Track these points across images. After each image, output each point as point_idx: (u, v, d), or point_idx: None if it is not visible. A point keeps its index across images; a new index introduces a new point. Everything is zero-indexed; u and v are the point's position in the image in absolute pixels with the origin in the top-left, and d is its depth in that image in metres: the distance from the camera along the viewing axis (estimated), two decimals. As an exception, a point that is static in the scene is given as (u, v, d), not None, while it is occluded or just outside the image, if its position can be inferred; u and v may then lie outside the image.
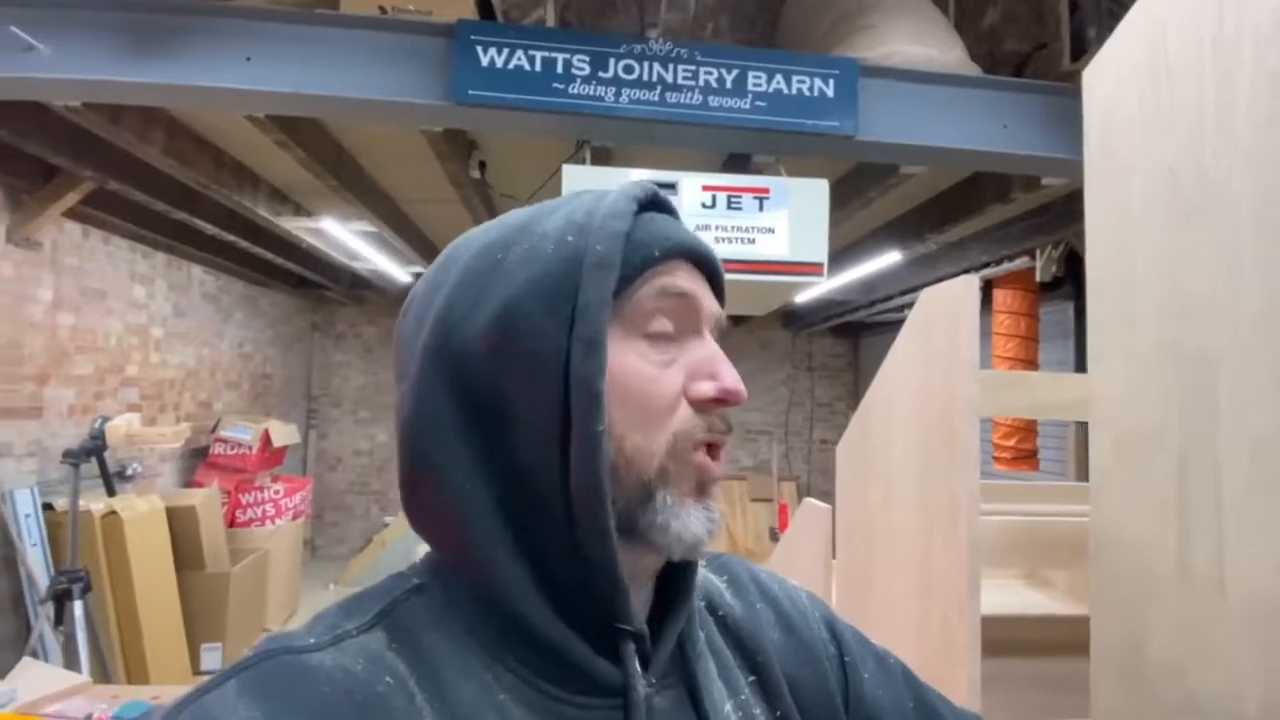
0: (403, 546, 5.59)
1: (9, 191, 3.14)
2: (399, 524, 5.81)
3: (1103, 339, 0.66)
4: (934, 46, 2.27)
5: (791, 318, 6.77)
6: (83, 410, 3.67)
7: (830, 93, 2.23)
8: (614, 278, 0.36)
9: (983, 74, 2.37)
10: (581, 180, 2.04)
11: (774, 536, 5.87)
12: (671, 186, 2.00)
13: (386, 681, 0.32)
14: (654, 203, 0.42)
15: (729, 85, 2.12)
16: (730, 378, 0.39)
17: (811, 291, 2.31)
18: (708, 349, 0.40)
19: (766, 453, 7.05)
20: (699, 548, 0.38)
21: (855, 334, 7.31)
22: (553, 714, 0.35)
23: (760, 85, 2.16)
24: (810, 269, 2.18)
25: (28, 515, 3.22)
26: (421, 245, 4.47)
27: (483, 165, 2.91)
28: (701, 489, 0.39)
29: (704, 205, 2.01)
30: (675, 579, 0.42)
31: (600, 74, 2.08)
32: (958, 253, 3.94)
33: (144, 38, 2.04)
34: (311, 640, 0.33)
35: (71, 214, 3.43)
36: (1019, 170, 2.58)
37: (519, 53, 2.05)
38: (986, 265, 3.83)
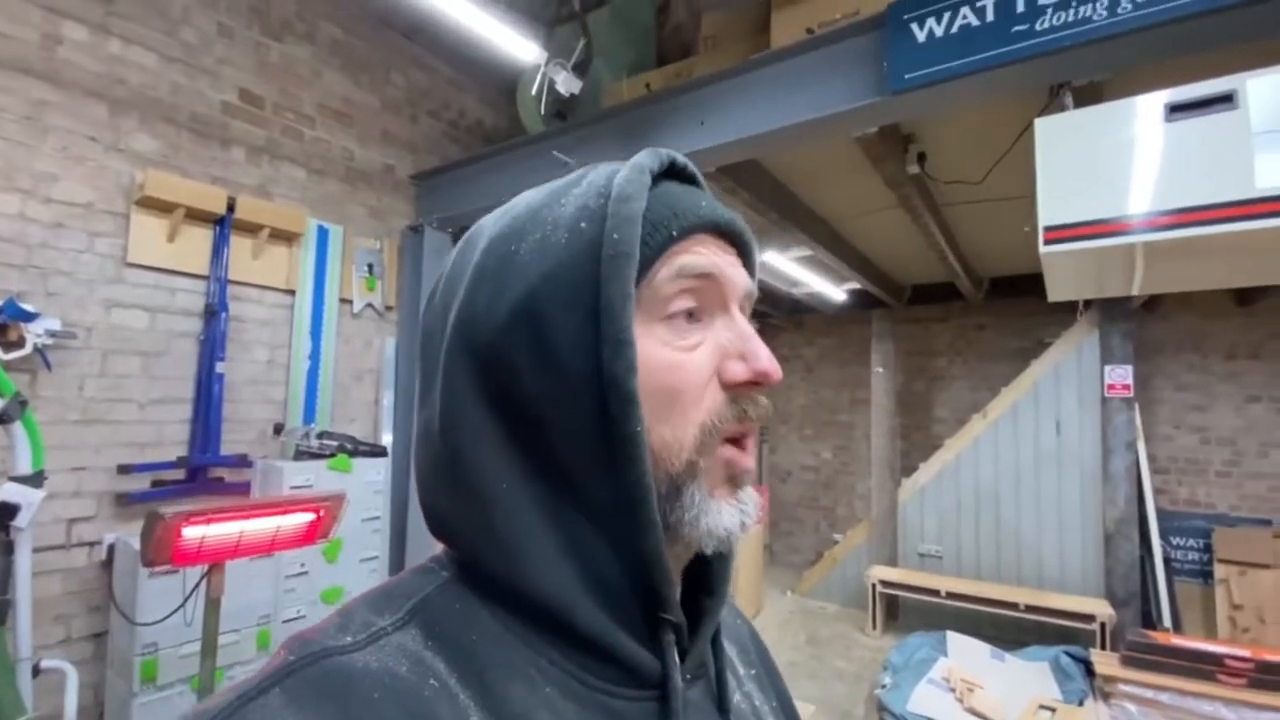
0: (855, 563, 5.51)
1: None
2: (848, 541, 5.75)
3: None
4: None
5: None
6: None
7: None
8: (634, 268, 0.34)
9: None
10: (1065, 133, 1.58)
11: None
12: (1226, 99, 1.35)
13: (431, 684, 0.31)
14: (671, 171, 0.40)
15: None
16: (764, 357, 0.37)
17: None
18: (737, 327, 0.38)
19: None
20: (730, 541, 0.37)
21: None
22: (598, 706, 0.34)
23: None
24: None
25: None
26: (857, 260, 4.38)
27: (921, 157, 2.64)
28: (734, 481, 0.38)
29: (1301, 111, 1.29)
30: (707, 571, 0.42)
31: (1083, -10, 1.59)
32: None
33: (630, 133, 2.58)
34: (349, 639, 0.31)
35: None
36: None
37: (963, 10, 1.76)
38: None
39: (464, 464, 0.35)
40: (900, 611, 5.16)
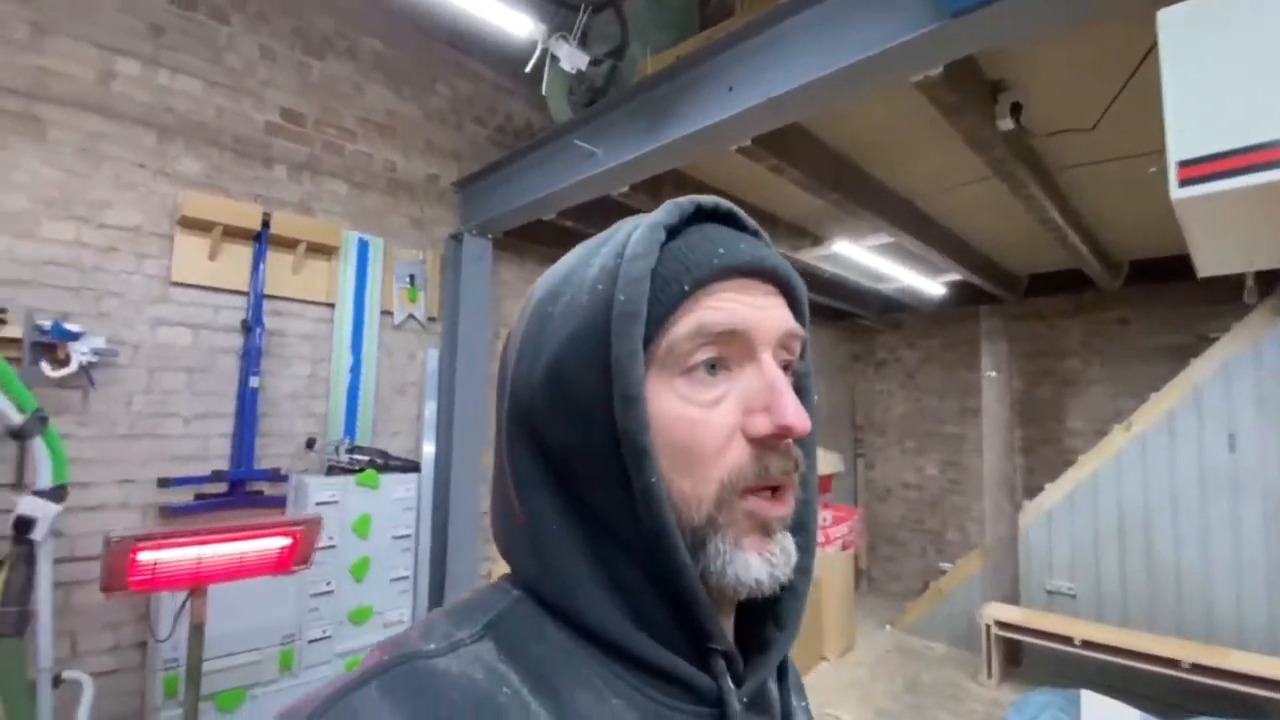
0: (965, 597, 4.78)
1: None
2: (958, 570, 5.01)
3: None
4: None
5: None
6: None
7: None
8: (641, 326, 0.36)
9: None
10: (1204, 27, 1.10)
11: None
12: None
13: (505, 692, 0.34)
14: (708, 213, 0.41)
15: None
16: (789, 410, 0.37)
17: None
18: (764, 378, 0.38)
19: None
20: (762, 590, 0.38)
21: None
22: (661, 719, 0.37)
23: None
24: None
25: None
26: (951, 246, 3.78)
27: (1016, 108, 2.12)
28: (765, 530, 0.38)
29: None
30: (777, 603, 0.43)
31: None
32: None
33: (648, 114, 2.29)
34: (432, 646, 0.35)
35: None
36: None
37: (1044, -112, 1.31)
38: None
39: (519, 503, 0.40)
40: (1023, 658, 4.38)
